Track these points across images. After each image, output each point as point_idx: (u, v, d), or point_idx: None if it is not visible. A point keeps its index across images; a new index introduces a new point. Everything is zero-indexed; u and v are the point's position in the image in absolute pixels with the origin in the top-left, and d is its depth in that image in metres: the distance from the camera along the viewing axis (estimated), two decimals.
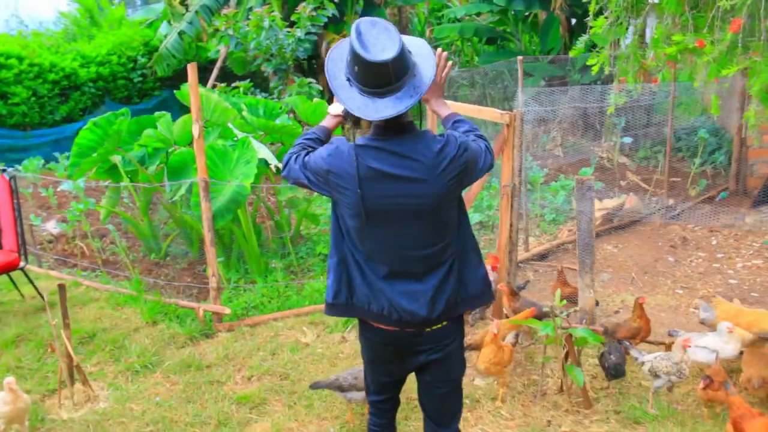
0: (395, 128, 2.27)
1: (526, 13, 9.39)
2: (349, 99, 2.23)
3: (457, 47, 11.18)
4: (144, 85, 10.76)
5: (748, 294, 5.35)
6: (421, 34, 11.43)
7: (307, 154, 2.43)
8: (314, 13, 7.87)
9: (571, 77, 8.65)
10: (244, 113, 5.37)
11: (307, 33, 7.94)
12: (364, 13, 9.78)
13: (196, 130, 4.49)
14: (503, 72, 10.87)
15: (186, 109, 5.71)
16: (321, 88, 7.92)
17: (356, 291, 2.42)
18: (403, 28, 11.13)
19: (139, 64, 10.65)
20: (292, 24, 8.19)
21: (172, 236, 6.13)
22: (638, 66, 4.26)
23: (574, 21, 8.89)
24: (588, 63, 4.57)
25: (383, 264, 2.35)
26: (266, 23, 7.62)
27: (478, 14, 9.96)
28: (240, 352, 4.40)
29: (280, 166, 5.62)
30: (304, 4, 7.84)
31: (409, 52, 2.23)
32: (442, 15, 11.13)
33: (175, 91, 5.52)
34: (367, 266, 2.38)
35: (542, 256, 6.21)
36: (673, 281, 5.62)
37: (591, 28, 4.39)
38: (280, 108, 5.69)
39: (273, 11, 7.91)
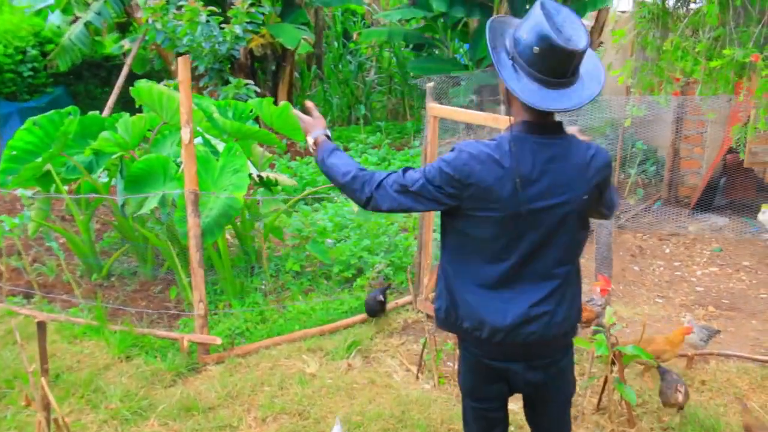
0: (554, 126, 2.12)
1: (456, 21, 9.28)
2: (515, 80, 2.03)
3: (374, 53, 10.93)
4: (35, 80, 9.59)
5: (719, 301, 5.46)
6: (338, 37, 11.07)
7: (373, 174, 2.24)
8: (252, 10, 7.31)
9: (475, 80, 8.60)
10: (216, 115, 4.80)
11: (245, 30, 7.37)
12: (283, 14, 9.27)
13: (186, 134, 3.91)
14: (425, 79, 10.74)
15: (136, 110, 5.05)
16: (259, 90, 7.37)
17: (462, 309, 2.25)
18: (320, 30, 10.72)
19: (29, 56, 9.48)
20: (225, 20, 7.56)
21: (118, 253, 5.39)
22: (663, 78, 4.17)
23: None
24: (613, 74, 4.46)
25: (507, 278, 2.17)
26: (202, 18, 6.97)
27: (408, 20, 9.75)
28: (243, 388, 3.86)
29: (265, 175, 5.13)
30: None
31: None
32: (364, 20, 10.85)
33: (130, 89, 4.83)
34: (482, 282, 2.18)
35: None
36: (648, 290, 5.65)
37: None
38: (251, 111, 5.15)
39: (207, 5, 7.25)
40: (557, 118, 2.17)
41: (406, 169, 2.25)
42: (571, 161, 2.10)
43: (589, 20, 8.67)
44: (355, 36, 10.70)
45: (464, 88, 8.93)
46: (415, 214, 6.46)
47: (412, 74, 10.64)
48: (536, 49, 1.97)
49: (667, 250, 6.63)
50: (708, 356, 4.25)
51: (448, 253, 2.28)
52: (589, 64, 2.10)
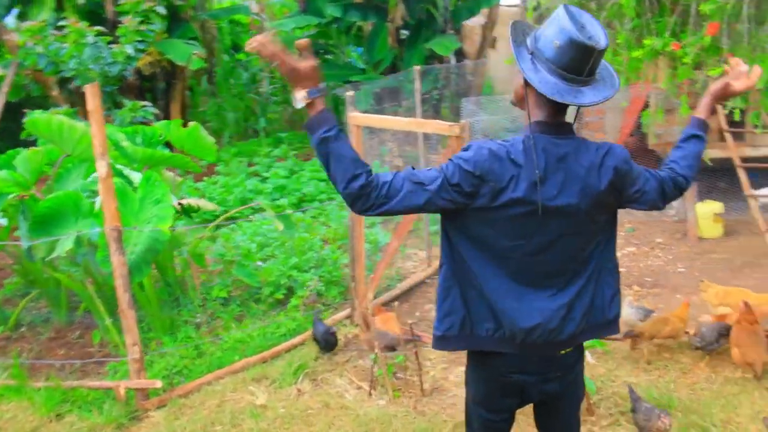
0: (566, 127, 2.12)
1: (349, 25, 9.22)
2: (533, 72, 2.04)
3: (266, 63, 10.64)
4: None
5: (642, 280, 5.67)
6: (227, 50, 10.74)
7: (378, 177, 2.07)
8: (142, 27, 6.93)
9: (405, 88, 8.63)
10: (124, 143, 4.49)
11: (136, 50, 6.97)
12: (170, 29, 8.88)
13: (102, 168, 3.63)
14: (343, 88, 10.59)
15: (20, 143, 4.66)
16: (157, 112, 7.01)
17: (478, 315, 2.17)
18: (209, 43, 10.36)
19: None
20: (113, 40, 7.13)
21: (26, 300, 4.95)
22: None
23: (405, 31, 8.90)
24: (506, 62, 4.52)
25: (523, 279, 2.13)
26: (89, 39, 6.53)
27: (301, 28, 9.57)
28: (193, 431, 3.63)
29: (185, 202, 4.84)
30: (130, 17, 6.86)
31: None
32: (252, 30, 10.57)
33: (24, 120, 4.45)
34: (497, 286, 2.13)
35: None
36: None
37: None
38: (160, 135, 4.87)
39: (93, 26, 6.81)
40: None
41: (413, 167, 2.16)
42: (582, 160, 2.09)
43: (481, 17, 8.84)
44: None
45: (365, 93, 8.88)
46: (338, 225, 6.38)
47: None
48: (557, 42, 1.99)
49: None
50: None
51: (455, 261, 2.19)
52: (604, 72, 2.14)
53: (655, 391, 3.75)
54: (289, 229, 5.22)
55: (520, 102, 2.19)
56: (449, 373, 4.27)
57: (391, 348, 4.09)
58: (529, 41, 2.09)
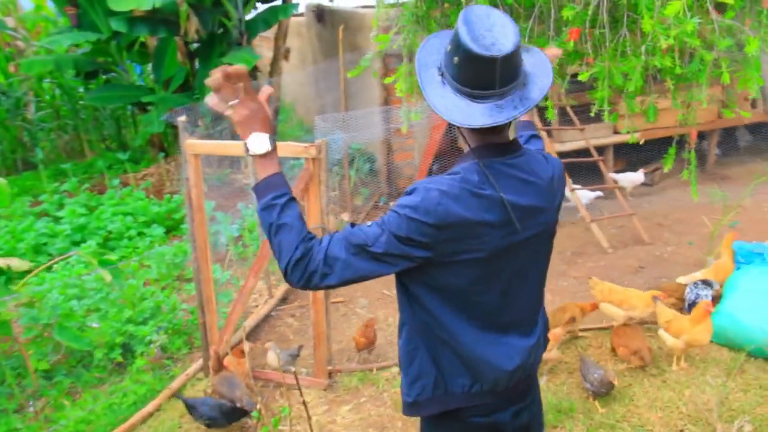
0: (515, 145, 1.90)
1: (131, 41, 8.35)
2: (439, 97, 1.79)
3: (31, 86, 9.33)
4: None
5: None
6: (4, 71, 9.22)
7: (311, 244, 1.80)
8: None
9: (201, 106, 8.00)
10: None
11: None
12: None
13: None
14: (100, 110, 9.53)
15: None
16: None
17: (451, 373, 1.94)
18: None
19: None
20: None
21: None
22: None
23: (196, 45, 8.23)
24: (385, 81, 4.30)
25: (496, 322, 1.93)
26: None
27: (77, 45, 8.46)
28: None
29: None
30: None
31: (523, 60, 1.80)
32: (9, 48, 9.16)
33: None
34: (471, 335, 1.90)
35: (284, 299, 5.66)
36: None
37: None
38: None
39: None
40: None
41: (352, 226, 1.83)
42: (540, 178, 1.90)
43: (272, 29, 8.48)
44: (12, 68, 9.01)
45: (156, 113, 8.12)
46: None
47: (83, 104, 9.42)
48: (456, 59, 1.74)
49: None
50: None
51: (418, 318, 1.92)
52: (530, 68, 1.84)
53: (553, 398, 3.73)
54: (117, 278, 4.52)
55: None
56: (334, 415, 3.94)
57: (231, 402, 3.66)
58: (442, 58, 1.83)
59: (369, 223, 1.82)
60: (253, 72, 8.55)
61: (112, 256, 5.11)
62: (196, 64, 8.40)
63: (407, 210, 1.74)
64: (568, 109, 6.54)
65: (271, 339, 4.91)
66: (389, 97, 7.89)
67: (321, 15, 9.30)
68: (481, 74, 1.72)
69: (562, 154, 6.40)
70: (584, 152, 6.89)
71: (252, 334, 4.96)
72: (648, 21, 3.21)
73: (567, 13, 3.37)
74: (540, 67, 1.83)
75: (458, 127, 1.84)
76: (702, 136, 7.44)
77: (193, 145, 3.96)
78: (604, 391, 3.55)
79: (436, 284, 1.84)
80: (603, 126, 7.03)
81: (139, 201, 6.95)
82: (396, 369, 4.27)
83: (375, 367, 4.32)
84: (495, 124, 1.73)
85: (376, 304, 5.47)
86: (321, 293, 4.13)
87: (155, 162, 8.56)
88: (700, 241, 5.80)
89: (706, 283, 4.17)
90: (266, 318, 5.25)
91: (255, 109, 1.82)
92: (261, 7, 8.65)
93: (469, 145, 1.86)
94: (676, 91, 3.56)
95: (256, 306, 5.43)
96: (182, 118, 4.06)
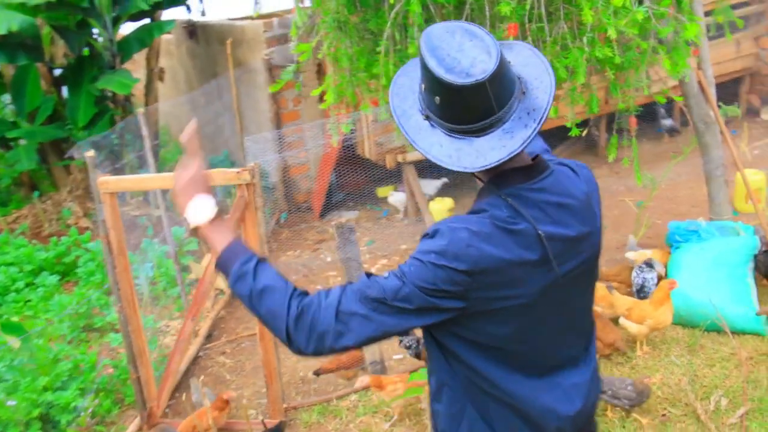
0: (539, 164, 1.63)
1: None
2: (436, 146, 1.54)
3: None
4: None
5: None
6: None
7: (315, 302, 1.55)
8: None
9: (75, 136, 7.32)
10: None
11: None
12: None
13: None
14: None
15: None
16: None
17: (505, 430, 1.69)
18: None
19: None
20: None
21: None
22: (365, 88, 3.94)
23: (61, 71, 7.50)
24: (313, 93, 4.03)
25: (548, 365, 1.69)
26: None
27: None
28: None
29: None
30: None
31: (509, 61, 1.54)
32: None
33: None
34: (523, 384, 1.66)
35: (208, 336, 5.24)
36: None
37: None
38: None
39: None
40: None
41: (369, 275, 1.57)
42: (576, 198, 1.64)
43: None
44: None
45: (24, 149, 7.36)
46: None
47: None
48: (437, 99, 1.49)
49: (329, 258, 6.57)
50: None
51: (459, 375, 1.66)
52: (528, 84, 1.56)
53: None
54: (27, 342, 3.98)
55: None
56: None
57: None
58: (421, 98, 1.57)
59: (385, 273, 1.57)
60: (128, 99, 7.95)
61: (13, 317, 4.51)
62: (64, 91, 7.69)
63: (432, 256, 1.49)
64: None
65: (205, 382, 4.52)
66: (280, 111, 7.59)
67: (193, 31, 8.83)
68: (474, 105, 1.48)
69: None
70: None
71: (183, 380, 4.54)
72: (588, 12, 3.19)
73: (504, 9, 3.28)
74: (531, 65, 1.58)
75: None
76: (586, 122, 7.70)
77: (107, 182, 3.53)
78: (644, 399, 3.36)
79: (473, 337, 1.60)
80: None
81: (21, 248, 6.23)
82: (355, 396, 4.03)
83: (334, 397, 4.06)
84: (513, 154, 1.49)
85: None
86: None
87: (27, 202, 7.74)
88: (613, 225, 5.97)
89: (649, 264, 4.25)
90: (195, 359, 4.83)
91: (189, 168, 1.63)
92: (131, 25, 8.04)
93: (482, 180, 1.63)
94: (615, 81, 3.57)
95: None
96: (90, 153, 3.61)
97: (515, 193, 1.55)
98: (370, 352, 4.04)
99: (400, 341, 4.04)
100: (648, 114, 7.41)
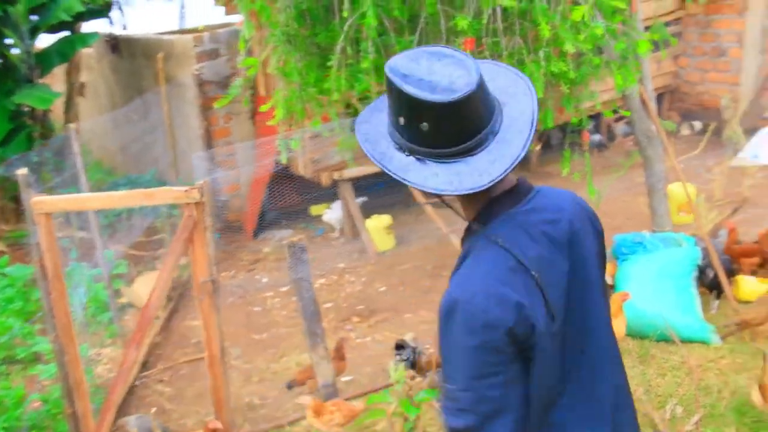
0: (523, 183, 1.56)
1: None
2: (429, 178, 1.43)
3: None
4: None
5: (356, 309, 5.51)
6: None
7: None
8: None
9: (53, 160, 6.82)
10: None
11: None
12: None
13: None
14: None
15: None
16: None
17: None
18: None
19: None
20: None
21: None
22: (317, 104, 3.85)
23: None
24: (261, 110, 3.88)
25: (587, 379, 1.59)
26: None
27: None
28: None
29: None
30: None
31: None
32: None
33: None
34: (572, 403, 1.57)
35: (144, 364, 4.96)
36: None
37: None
38: None
39: None
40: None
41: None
42: (565, 210, 1.58)
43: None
44: None
45: None
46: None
47: None
48: (425, 126, 1.39)
49: (266, 279, 6.39)
50: None
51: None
52: (510, 98, 1.50)
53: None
54: None
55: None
56: None
57: None
58: (394, 139, 1.48)
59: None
60: (46, 114, 7.53)
61: None
62: None
63: (468, 337, 1.38)
64: None
65: (145, 412, 4.26)
66: (210, 128, 7.37)
67: (116, 45, 8.48)
68: (466, 120, 1.40)
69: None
70: None
71: (122, 411, 4.26)
72: (545, 27, 3.20)
73: (461, 23, 3.26)
74: (500, 76, 1.52)
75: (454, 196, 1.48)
76: None
77: (41, 202, 3.26)
78: None
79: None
80: None
81: None
82: (305, 422, 3.87)
83: (286, 423, 3.90)
84: (517, 160, 1.41)
85: (249, 351, 4.99)
86: (216, 348, 3.62)
87: None
88: None
89: None
90: (131, 389, 4.55)
91: None
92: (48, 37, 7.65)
93: (467, 213, 1.54)
94: (569, 95, 3.60)
95: (112, 374, 4.70)
96: (22, 171, 3.35)
97: (506, 219, 1.48)
98: (322, 375, 3.89)
99: (397, 354, 3.97)
100: (576, 129, 7.64)
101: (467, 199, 1.52)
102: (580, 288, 1.56)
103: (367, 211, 6.77)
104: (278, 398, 4.29)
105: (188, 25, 8.66)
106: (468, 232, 1.55)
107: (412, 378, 3.41)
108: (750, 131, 7.36)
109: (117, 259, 5.93)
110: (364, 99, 3.62)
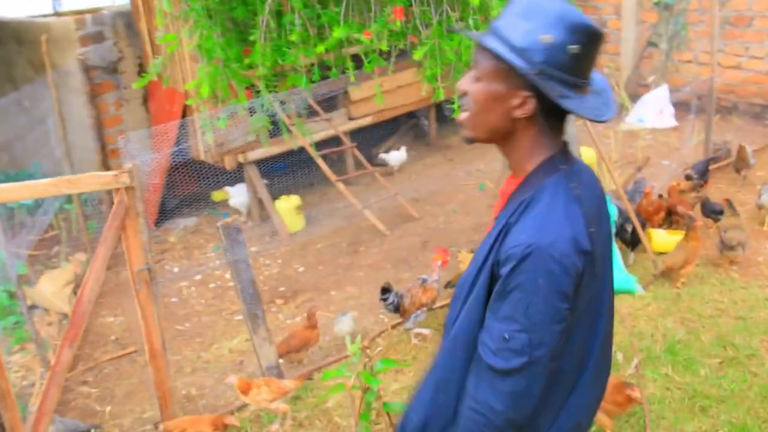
0: (567, 149, 1.63)
1: None
2: (580, 106, 1.48)
3: None
4: None
5: (277, 291, 5.44)
6: None
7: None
8: None
9: None
10: None
11: None
12: None
13: None
14: None
15: None
16: None
17: None
18: None
19: None
20: None
21: None
22: (240, 81, 3.74)
23: None
24: (187, 86, 3.68)
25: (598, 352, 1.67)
26: None
27: None
28: None
29: None
30: None
31: None
32: None
33: None
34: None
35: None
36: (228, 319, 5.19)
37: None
38: None
39: None
40: None
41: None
42: (599, 183, 1.67)
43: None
44: None
45: None
46: None
47: None
48: (574, 48, 1.41)
49: (176, 269, 6.16)
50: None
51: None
52: None
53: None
54: None
55: (494, 136, 1.56)
56: None
57: None
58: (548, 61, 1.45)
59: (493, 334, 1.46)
60: None
61: None
62: None
63: (537, 283, 1.40)
64: (310, 100, 6.43)
65: (72, 417, 4.03)
66: (101, 116, 6.96)
67: None
68: (594, 58, 1.49)
69: (317, 145, 6.28)
70: (333, 141, 6.88)
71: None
72: None
73: None
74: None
75: (523, 138, 1.53)
76: (415, 114, 7.92)
77: None
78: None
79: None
80: (338, 114, 7.07)
81: None
82: (254, 408, 3.78)
83: (233, 410, 3.80)
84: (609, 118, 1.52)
85: (175, 343, 4.81)
86: (156, 340, 3.48)
87: None
88: (463, 209, 6.22)
89: None
90: (66, 393, 4.27)
91: None
92: None
93: (525, 164, 1.56)
94: None
95: (32, 385, 4.40)
96: None
97: (570, 173, 1.53)
98: (265, 357, 3.82)
99: (383, 299, 4.11)
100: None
101: (537, 138, 1.53)
102: (608, 256, 1.63)
103: (272, 193, 6.65)
104: (215, 387, 4.17)
105: (63, 8, 8.09)
106: (528, 181, 1.53)
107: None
108: (633, 97, 7.83)
109: (12, 260, 5.52)
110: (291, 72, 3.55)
